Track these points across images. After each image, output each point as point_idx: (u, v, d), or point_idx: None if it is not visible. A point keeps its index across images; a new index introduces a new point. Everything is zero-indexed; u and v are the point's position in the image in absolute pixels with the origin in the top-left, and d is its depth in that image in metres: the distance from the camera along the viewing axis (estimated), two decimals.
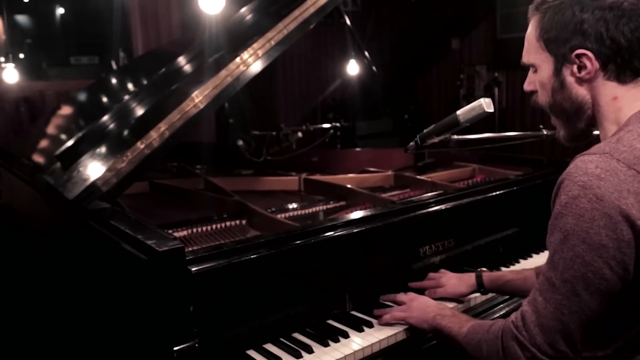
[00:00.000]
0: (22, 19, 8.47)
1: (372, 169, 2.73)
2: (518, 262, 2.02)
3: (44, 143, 3.21)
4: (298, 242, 1.53)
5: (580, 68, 1.19)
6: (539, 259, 2.04)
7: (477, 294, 1.72)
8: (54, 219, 2.19)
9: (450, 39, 6.40)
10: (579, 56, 1.18)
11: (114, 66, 5.38)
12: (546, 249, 2.11)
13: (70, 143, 2.22)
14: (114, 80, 3.64)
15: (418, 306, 1.50)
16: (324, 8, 2.17)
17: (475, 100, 1.73)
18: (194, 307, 1.32)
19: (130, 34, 5.62)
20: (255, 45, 2.00)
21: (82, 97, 3.59)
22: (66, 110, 3.55)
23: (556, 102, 1.25)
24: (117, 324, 1.55)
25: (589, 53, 1.17)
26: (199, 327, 1.33)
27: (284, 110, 6.57)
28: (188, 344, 1.30)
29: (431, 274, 1.77)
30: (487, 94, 5.84)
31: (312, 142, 3.09)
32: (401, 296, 1.62)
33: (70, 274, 2.03)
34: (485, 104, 1.67)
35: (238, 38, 2.15)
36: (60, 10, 7.71)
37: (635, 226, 1.04)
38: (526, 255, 2.08)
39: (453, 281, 1.69)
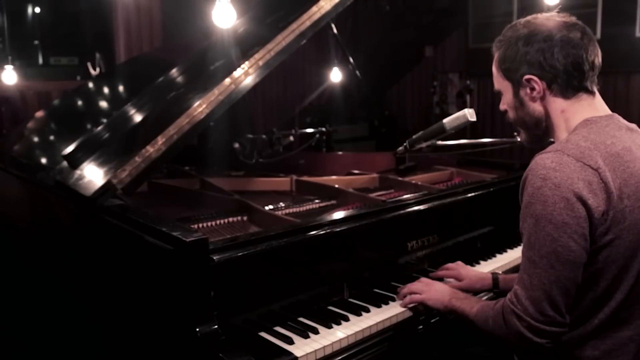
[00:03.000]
0: None
1: (357, 172, 2.91)
2: (494, 256, 2.24)
3: (39, 144, 3.30)
4: (303, 235, 1.71)
5: (531, 89, 1.47)
6: (513, 254, 2.26)
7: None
8: (62, 216, 2.31)
9: (424, 47, 6.65)
10: (528, 80, 1.46)
11: (91, 68, 5.45)
12: (519, 245, 2.34)
13: (77, 144, 2.34)
14: (104, 84, 3.73)
15: (435, 290, 1.72)
16: (318, 22, 2.33)
17: (447, 106, 1.96)
18: (214, 292, 1.48)
19: (112, 38, 5.70)
20: (256, 56, 2.15)
21: (74, 99, 3.67)
22: (57, 112, 3.63)
23: (519, 117, 1.54)
24: (140, 310, 1.69)
25: (535, 77, 1.45)
26: (218, 311, 1.49)
27: (262, 114, 6.71)
28: (209, 325, 1.46)
29: (449, 265, 1.97)
30: (459, 100, 6.11)
31: (296, 146, 3.25)
32: (417, 283, 1.80)
33: (79, 267, 2.15)
34: (469, 114, 1.89)
35: (239, 48, 2.30)
36: (36, 10, 7.69)
37: (587, 204, 1.30)
38: (502, 250, 2.29)
39: (471, 278, 1.89)
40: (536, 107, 1.49)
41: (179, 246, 1.46)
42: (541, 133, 1.53)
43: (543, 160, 1.35)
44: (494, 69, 1.56)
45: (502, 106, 1.59)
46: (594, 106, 1.47)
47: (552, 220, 1.30)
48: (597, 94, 1.49)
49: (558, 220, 1.30)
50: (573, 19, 1.47)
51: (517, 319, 1.36)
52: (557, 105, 1.47)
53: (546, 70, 1.43)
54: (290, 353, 1.49)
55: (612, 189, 1.31)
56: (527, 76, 1.45)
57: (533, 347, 1.35)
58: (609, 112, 1.49)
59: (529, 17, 1.50)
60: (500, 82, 1.55)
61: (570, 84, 1.44)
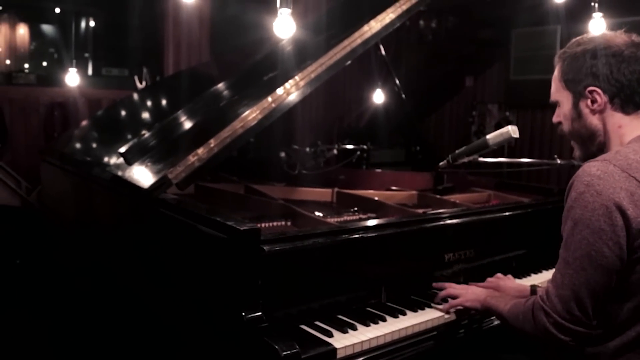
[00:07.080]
0: (48, 28, 8.82)
1: (396, 188, 2.98)
2: (529, 275, 2.27)
3: (87, 147, 3.49)
4: (348, 236, 1.79)
5: (592, 102, 1.52)
6: (548, 274, 2.29)
7: None
8: (116, 207, 2.44)
9: (465, 77, 6.72)
10: (591, 92, 1.51)
11: (137, 82, 5.69)
12: (553, 267, 2.37)
13: (132, 143, 2.48)
14: (148, 97, 3.93)
15: (472, 292, 1.82)
16: (369, 40, 2.44)
17: (485, 137, 2.01)
18: (261, 281, 1.56)
19: (162, 52, 5.94)
20: (309, 68, 2.26)
21: (117, 110, 3.88)
22: (101, 120, 3.86)
23: (574, 129, 1.58)
24: (190, 295, 1.78)
25: (598, 89, 1.51)
26: (263, 301, 1.57)
27: (300, 131, 6.83)
28: (255, 312, 1.54)
29: (489, 279, 2.02)
30: None
31: (337, 163, 3.35)
32: (455, 285, 1.89)
33: (131, 255, 2.27)
34: (512, 131, 1.95)
35: (293, 60, 2.42)
36: (90, 23, 8.08)
37: (625, 214, 1.35)
38: (537, 270, 2.33)
39: (510, 289, 1.92)
40: (594, 120, 1.53)
41: (232, 234, 1.56)
42: (595, 149, 1.57)
43: (590, 168, 1.41)
44: (555, 80, 1.60)
45: (556, 118, 1.63)
46: None
47: (589, 225, 1.36)
48: None
49: (595, 226, 1.36)
50: None
51: (545, 315, 1.42)
52: (616, 120, 1.51)
53: (611, 84, 1.48)
54: (329, 344, 1.56)
55: None
56: (590, 88, 1.50)
57: (557, 343, 1.41)
58: None
59: (595, 34, 1.57)
60: (560, 93, 1.59)
61: (632, 99, 1.49)
